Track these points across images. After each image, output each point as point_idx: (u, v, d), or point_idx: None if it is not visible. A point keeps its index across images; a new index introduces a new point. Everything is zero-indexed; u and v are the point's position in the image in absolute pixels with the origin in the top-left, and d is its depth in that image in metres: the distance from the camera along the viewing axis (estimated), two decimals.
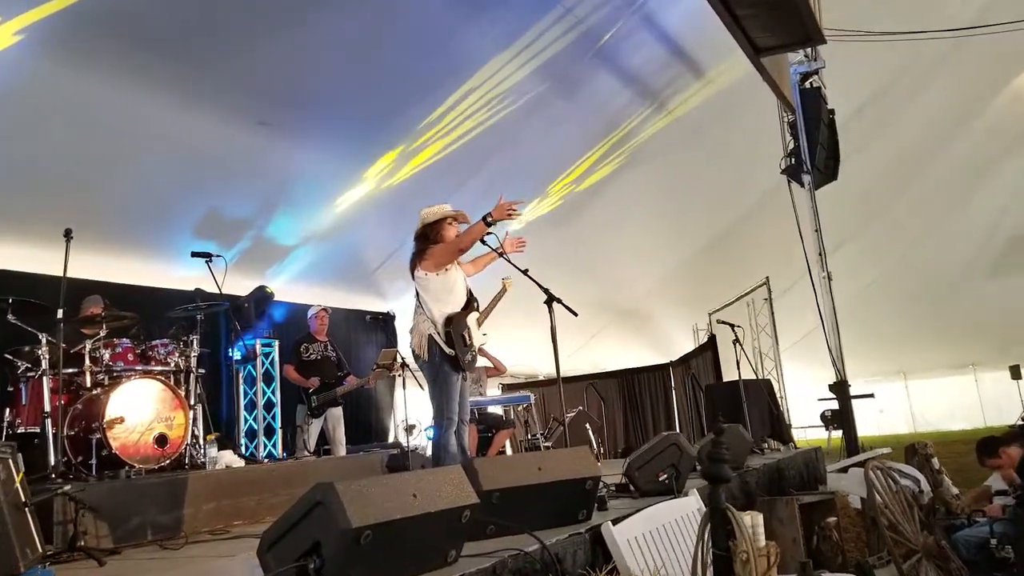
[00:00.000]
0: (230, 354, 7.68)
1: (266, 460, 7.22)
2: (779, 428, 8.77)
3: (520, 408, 9.08)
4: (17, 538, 3.61)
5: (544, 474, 3.44)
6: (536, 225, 10.31)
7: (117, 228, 7.06)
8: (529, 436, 8.91)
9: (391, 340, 10.09)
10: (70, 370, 5.30)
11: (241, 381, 7.98)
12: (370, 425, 9.96)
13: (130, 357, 5.57)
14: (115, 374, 5.43)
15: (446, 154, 8.59)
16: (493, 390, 10.88)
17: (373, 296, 10.47)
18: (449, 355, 4.57)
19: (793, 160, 9.04)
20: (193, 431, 5.63)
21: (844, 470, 6.45)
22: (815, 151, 8.83)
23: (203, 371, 6.11)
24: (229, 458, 5.54)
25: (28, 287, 5.61)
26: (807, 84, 9.01)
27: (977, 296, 14.98)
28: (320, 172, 8.09)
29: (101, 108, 6.00)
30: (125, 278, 7.17)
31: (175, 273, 7.30)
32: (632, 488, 4.48)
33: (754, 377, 9.84)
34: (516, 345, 8.93)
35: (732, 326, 8.41)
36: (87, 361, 5.33)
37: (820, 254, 8.92)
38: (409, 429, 8.47)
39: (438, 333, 4.60)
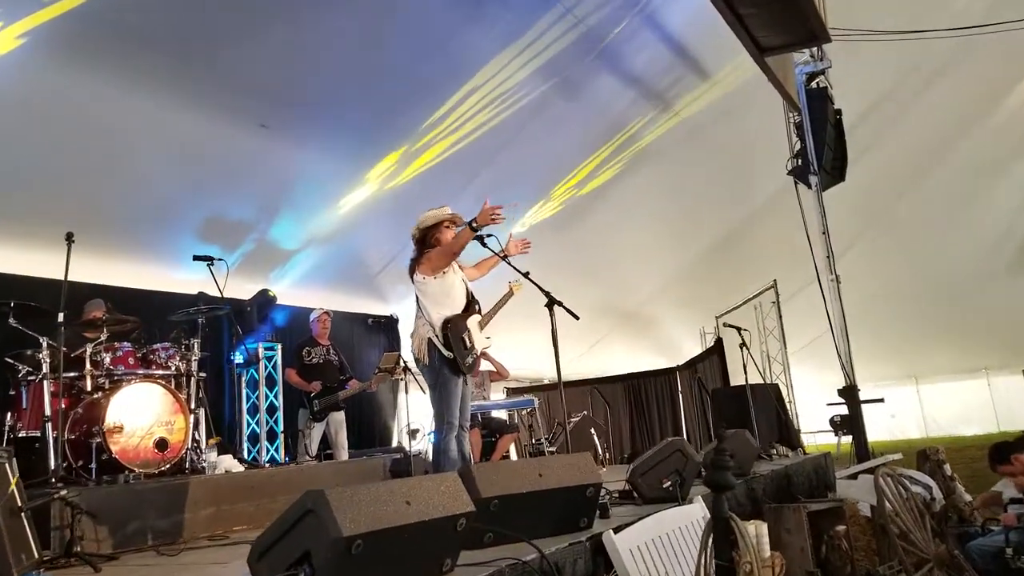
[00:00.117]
0: (232, 358, 7.65)
1: (267, 465, 7.19)
2: (787, 433, 8.67)
3: (524, 412, 9.02)
4: (12, 543, 3.57)
5: (544, 481, 3.37)
6: (540, 228, 10.24)
7: (119, 231, 7.04)
8: (533, 441, 8.85)
9: (394, 343, 10.05)
10: (71, 374, 5.28)
11: (243, 385, 7.95)
12: (374, 429, 9.91)
13: (131, 361, 5.55)
14: (116, 378, 5.40)
15: (449, 155, 8.53)
16: (498, 394, 10.82)
17: (376, 299, 10.43)
18: (448, 358, 4.54)
19: (799, 161, 8.94)
20: (194, 435, 5.60)
21: (854, 477, 6.35)
22: (822, 152, 8.73)
23: (205, 375, 6.09)
24: (229, 463, 5.50)
25: (30, 291, 5.61)
26: (813, 84, 8.92)
27: (990, 298, 14.81)
28: (322, 174, 8.05)
29: (103, 111, 5.98)
30: (127, 282, 7.15)
31: (178, 277, 7.28)
32: (635, 495, 4.40)
33: (762, 381, 9.75)
34: (520, 349, 8.87)
35: (739, 330, 8.32)
36: (88, 365, 5.31)
37: (828, 257, 8.81)
38: (412, 434, 8.43)
39: (437, 336, 4.57)
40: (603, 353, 14.55)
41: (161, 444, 5.29)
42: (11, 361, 5.33)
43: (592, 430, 8.94)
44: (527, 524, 3.21)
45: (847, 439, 8.70)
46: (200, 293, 6.75)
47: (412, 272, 4.79)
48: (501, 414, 8.89)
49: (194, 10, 5.75)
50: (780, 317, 11.85)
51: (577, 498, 3.47)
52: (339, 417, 7.49)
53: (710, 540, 2.78)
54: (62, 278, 4.83)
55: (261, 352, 8.03)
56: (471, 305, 4.83)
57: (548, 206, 10.70)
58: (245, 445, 7.86)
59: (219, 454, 5.65)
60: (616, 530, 3.42)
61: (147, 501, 4.57)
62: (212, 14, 5.86)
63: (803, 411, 11.95)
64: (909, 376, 17.41)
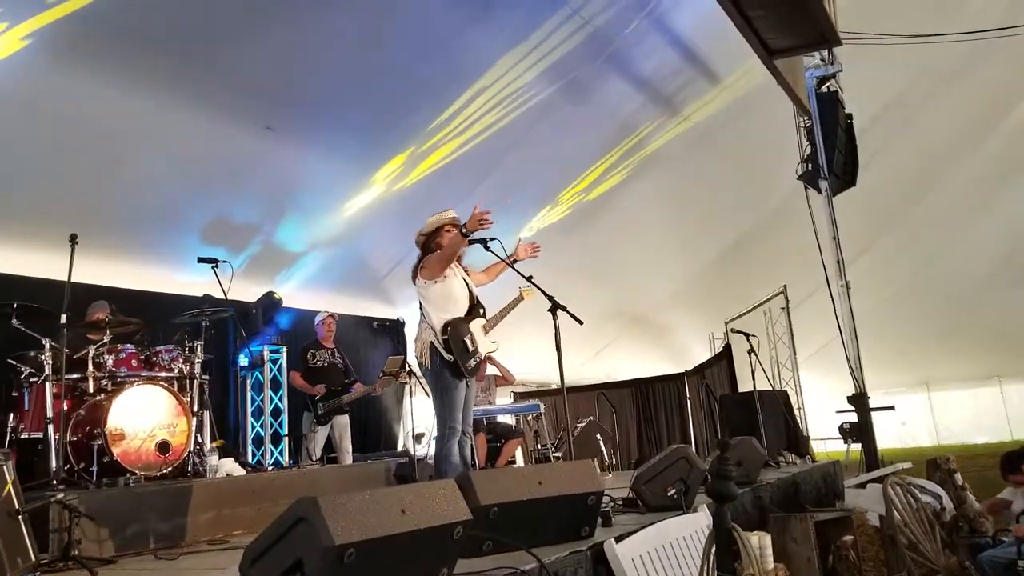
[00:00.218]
0: (237, 360, 7.63)
1: (271, 468, 7.16)
2: (795, 441, 8.58)
3: (530, 417, 8.97)
4: (7, 546, 3.55)
5: (544, 488, 3.31)
6: (547, 232, 10.19)
7: (123, 233, 7.03)
8: (539, 446, 8.79)
9: (400, 347, 10.03)
10: (73, 376, 5.28)
11: (248, 388, 7.93)
12: (379, 433, 9.88)
13: (134, 363, 5.54)
14: (118, 380, 5.38)
15: (457, 157, 8.50)
16: (505, 399, 10.77)
17: (383, 303, 10.40)
18: (448, 361, 4.52)
19: (810, 166, 8.86)
20: (197, 438, 5.58)
21: (862, 486, 6.26)
22: (832, 156, 8.65)
23: (210, 378, 6.07)
24: (230, 466, 5.48)
25: (33, 292, 5.61)
26: (824, 88, 8.84)
27: (1002, 305, 14.66)
28: (327, 176, 8.03)
29: (106, 112, 5.98)
30: (132, 283, 7.15)
31: (183, 279, 7.27)
32: (639, 503, 4.34)
33: (770, 388, 9.66)
34: (527, 354, 8.82)
35: (747, 335, 8.25)
36: (90, 367, 5.29)
37: (838, 262, 8.72)
38: (418, 438, 8.39)
39: (437, 340, 4.56)
40: (611, 358, 14.48)
41: (163, 447, 5.26)
42: (13, 362, 5.32)
43: (598, 436, 8.87)
44: (527, 532, 3.16)
45: (856, 447, 8.59)
46: (206, 295, 6.72)
47: (415, 277, 4.81)
48: (508, 419, 8.84)
49: (199, 11, 5.74)
50: (790, 323, 11.74)
51: (578, 506, 3.41)
52: (343, 421, 7.46)
53: (712, 551, 2.72)
54: (65, 279, 4.83)
55: (266, 355, 8.01)
56: (475, 309, 4.81)
57: (556, 210, 10.65)
58: (250, 448, 7.84)
59: (220, 457, 5.61)
60: (618, 539, 3.36)
61: (147, 504, 4.54)
62: (217, 15, 5.85)
63: (813, 418, 11.83)
64: (920, 383, 17.25)
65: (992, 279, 14.51)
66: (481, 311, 4.89)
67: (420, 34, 6.77)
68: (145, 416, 5.25)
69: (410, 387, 7.43)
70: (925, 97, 11.38)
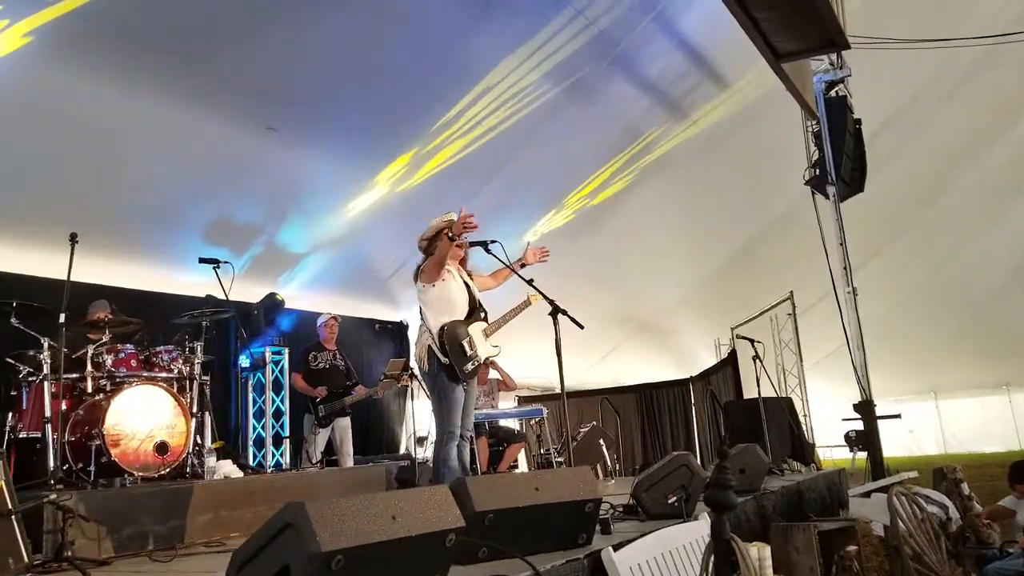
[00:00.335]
0: (239, 362, 7.61)
1: (272, 470, 7.13)
2: (800, 448, 8.50)
3: (533, 422, 8.92)
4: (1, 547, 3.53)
5: (541, 495, 3.25)
6: (552, 237, 10.14)
7: (124, 232, 7.02)
8: (542, 451, 8.74)
9: (403, 349, 9.99)
10: (72, 375, 5.25)
11: (250, 389, 7.90)
12: (381, 436, 9.84)
13: (133, 363, 5.51)
14: (117, 380, 5.35)
15: (461, 158, 8.45)
16: (508, 403, 10.73)
17: (386, 305, 10.37)
18: (444, 364, 4.49)
19: (817, 171, 8.80)
20: (196, 439, 5.54)
21: (867, 495, 6.18)
22: (840, 162, 8.59)
23: (211, 379, 6.05)
24: (228, 468, 5.44)
25: (32, 291, 5.59)
26: (832, 93, 8.78)
27: (1011, 312, 14.54)
28: (330, 176, 8.00)
29: (107, 111, 5.95)
30: (134, 283, 7.13)
31: (186, 279, 7.24)
32: (639, 510, 4.28)
33: (775, 395, 9.59)
34: (530, 358, 8.76)
35: (752, 341, 8.18)
36: (89, 366, 5.26)
37: (845, 268, 8.66)
38: (420, 441, 8.35)
39: (435, 343, 4.54)
40: (617, 363, 14.41)
41: (161, 448, 5.23)
42: (12, 361, 5.30)
43: (601, 441, 8.81)
44: (524, 539, 3.11)
45: (862, 455, 8.52)
46: (208, 296, 6.71)
47: (416, 280, 4.80)
48: (511, 423, 8.80)
49: (201, 11, 5.71)
50: (796, 329, 11.65)
51: (576, 513, 3.35)
52: (344, 423, 7.43)
53: (711, 562, 2.66)
54: (65, 278, 4.81)
55: (268, 356, 7.98)
56: (475, 312, 4.77)
57: (561, 214, 10.60)
58: (250, 450, 7.80)
59: (219, 459, 5.57)
60: (616, 547, 3.31)
61: (143, 505, 4.51)
62: (218, 15, 5.82)
63: (819, 425, 11.74)
64: (928, 391, 17.12)
65: (1001, 287, 14.41)
66: (482, 315, 4.86)
67: (422, 34, 6.74)
68: (144, 417, 5.22)
69: (412, 390, 7.38)
70: (935, 103, 11.30)
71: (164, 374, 5.59)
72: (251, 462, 7.47)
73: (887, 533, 5.07)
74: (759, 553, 2.65)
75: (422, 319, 4.73)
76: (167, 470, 5.20)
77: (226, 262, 6.21)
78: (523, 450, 8.88)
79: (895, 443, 13.95)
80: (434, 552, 2.56)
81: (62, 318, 4.83)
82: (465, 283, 4.90)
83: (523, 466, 9.30)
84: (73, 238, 4.91)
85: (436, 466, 4.49)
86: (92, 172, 6.38)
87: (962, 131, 11.76)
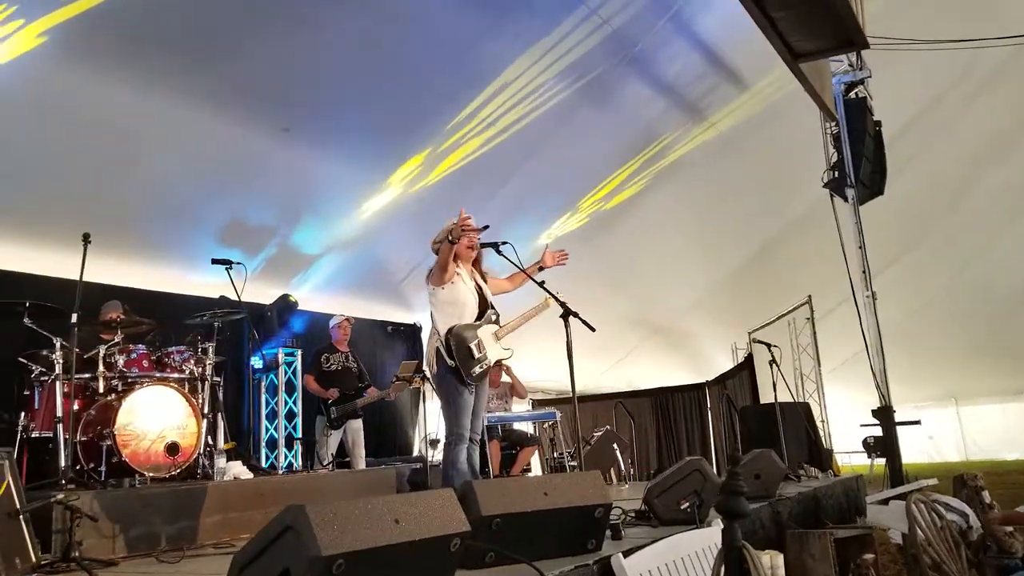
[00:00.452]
0: (252, 363, 7.61)
1: (283, 471, 7.12)
2: (817, 454, 8.39)
3: (546, 425, 8.87)
4: (6, 546, 3.52)
5: (550, 499, 3.21)
6: (567, 240, 10.07)
7: (138, 233, 7.03)
8: (555, 454, 8.69)
9: (416, 352, 9.97)
10: (84, 375, 5.27)
11: (263, 390, 7.90)
12: (394, 438, 9.82)
13: (145, 363, 5.52)
14: (129, 380, 5.36)
15: (475, 158, 8.38)
16: (523, 406, 10.67)
17: (400, 307, 10.34)
18: (451, 367, 4.46)
19: (836, 173, 8.68)
20: (207, 440, 5.54)
21: (885, 502, 6.07)
22: (860, 164, 8.46)
23: (224, 380, 6.06)
24: (237, 469, 5.42)
25: (45, 291, 5.59)
26: (852, 94, 8.66)
27: None
28: (344, 177, 7.97)
29: (122, 112, 5.96)
30: (147, 284, 7.14)
31: (198, 280, 7.24)
32: (652, 516, 4.22)
33: (792, 400, 9.48)
34: (545, 361, 8.70)
35: (769, 346, 8.09)
36: (101, 366, 5.27)
37: (864, 272, 8.53)
38: (433, 443, 8.32)
39: (442, 345, 4.51)
40: (632, 367, 14.31)
41: (172, 448, 5.23)
42: (25, 361, 5.31)
43: (615, 445, 8.73)
44: (532, 544, 3.07)
45: (881, 461, 8.39)
46: (221, 297, 6.71)
47: (426, 282, 4.78)
48: (524, 426, 8.75)
49: (215, 12, 5.71)
50: (814, 334, 11.53)
51: (585, 519, 3.30)
52: (356, 425, 7.41)
53: (722, 571, 2.59)
54: (77, 278, 4.81)
55: (281, 357, 7.98)
56: (485, 315, 4.73)
57: (576, 217, 10.54)
58: (263, 451, 7.80)
59: (230, 460, 5.56)
60: (627, 553, 3.25)
61: (152, 506, 4.50)
62: (233, 16, 5.82)
63: (837, 431, 11.59)
64: (949, 397, 16.88)
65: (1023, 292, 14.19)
66: (493, 317, 4.81)
67: (435, 33, 6.69)
68: (155, 417, 5.23)
69: (424, 392, 7.35)
70: (957, 105, 11.13)
71: (176, 375, 5.60)
72: (263, 463, 7.48)
73: (905, 541, 4.97)
74: (771, 561, 2.58)
75: (432, 321, 4.71)
76: (177, 471, 5.20)
77: (239, 263, 6.21)
78: (536, 454, 8.83)
79: (914, 450, 13.76)
80: (438, 557, 2.52)
81: (74, 318, 4.85)
82: (478, 285, 4.85)
83: (536, 470, 9.24)
84: (86, 238, 4.93)
85: (445, 468, 4.46)
86: (105, 172, 6.39)
87: (984, 133, 11.58)
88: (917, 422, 9.11)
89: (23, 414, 5.28)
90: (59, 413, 4.91)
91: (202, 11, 5.67)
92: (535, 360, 9.34)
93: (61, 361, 5.05)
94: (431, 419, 7.97)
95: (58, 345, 5.06)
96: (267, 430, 7.94)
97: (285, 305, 8.09)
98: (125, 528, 4.32)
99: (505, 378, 8.14)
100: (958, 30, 8.66)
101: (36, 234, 6.39)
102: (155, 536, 4.44)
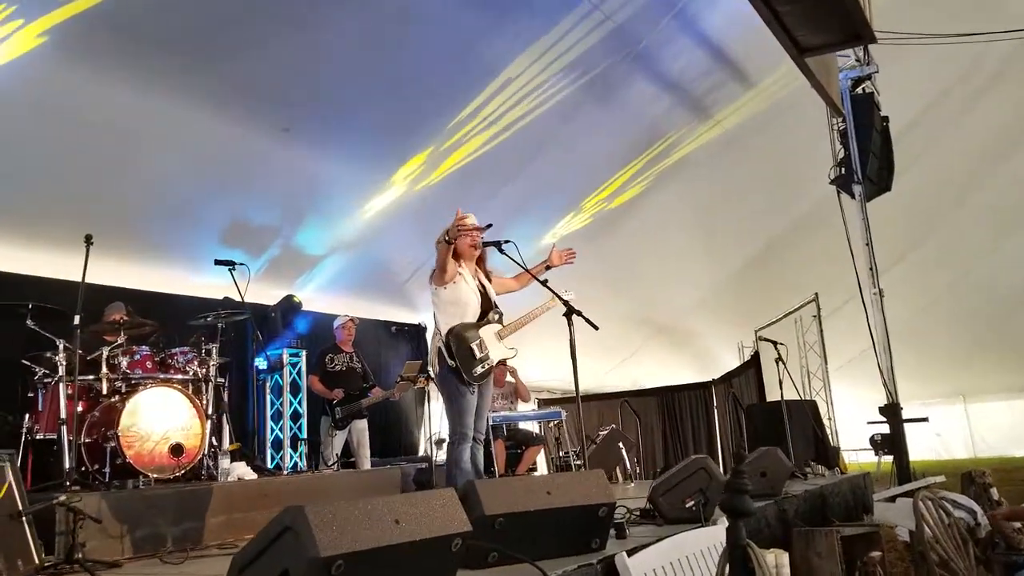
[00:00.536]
0: (256, 364, 7.60)
1: (288, 472, 7.12)
2: (824, 452, 8.35)
3: (552, 424, 8.85)
4: (7, 548, 3.51)
5: (553, 499, 3.18)
6: (571, 239, 10.03)
7: (141, 234, 7.02)
8: (561, 453, 8.66)
9: (421, 352, 9.95)
10: (88, 377, 5.26)
11: (268, 391, 7.90)
12: (399, 438, 9.81)
13: (149, 365, 5.52)
14: (133, 382, 5.36)
15: (479, 156, 8.34)
16: (529, 405, 10.64)
17: (404, 307, 10.31)
18: (452, 367, 4.45)
19: (843, 170, 8.63)
20: (211, 441, 5.53)
21: (892, 499, 6.02)
22: (867, 160, 8.43)
23: (228, 381, 6.04)
24: (241, 470, 5.42)
25: (48, 293, 5.59)
26: (859, 90, 8.61)
27: None
28: (346, 177, 7.93)
29: (123, 112, 5.94)
30: (150, 285, 7.13)
31: (202, 281, 7.23)
32: (656, 515, 4.19)
33: (799, 398, 9.43)
34: (549, 360, 8.68)
35: (775, 344, 8.05)
36: (104, 368, 5.27)
37: (871, 269, 8.49)
38: (439, 443, 8.29)
39: (443, 345, 4.48)
40: (638, 366, 14.28)
41: (176, 449, 5.22)
42: (28, 363, 5.32)
43: (621, 444, 8.70)
44: (535, 544, 3.05)
45: (888, 458, 8.35)
46: (225, 298, 6.68)
47: (429, 282, 4.77)
48: (529, 426, 8.73)
49: (216, 11, 5.69)
50: (821, 332, 11.48)
51: (589, 517, 3.28)
52: (361, 425, 7.40)
53: (726, 570, 2.56)
54: (80, 280, 4.80)
55: (285, 358, 7.98)
56: (487, 314, 4.70)
57: (579, 217, 10.51)
58: (268, 452, 7.80)
59: (235, 460, 5.55)
60: (631, 552, 3.23)
61: (155, 507, 4.50)
62: (233, 16, 5.79)
63: (845, 429, 11.54)
64: (957, 394, 16.80)
65: None
66: (496, 317, 4.78)
67: (437, 31, 6.65)
68: (159, 418, 5.22)
69: (429, 392, 7.34)
70: (965, 100, 11.06)
71: (180, 376, 5.61)
72: (269, 464, 7.48)
73: (913, 539, 4.94)
74: (776, 560, 2.55)
75: (434, 321, 4.70)
76: (182, 472, 5.19)
77: (242, 264, 6.20)
78: (542, 453, 8.81)
79: (922, 447, 13.70)
80: (440, 557, 2.50)
81: (77, 320, 4.83)
82: (481, 284, 4.83)
83: (542, 469, 9.22)
84: (88, 239, 4.90)
85: (449, 468, 4.44)
86: (107, 173, 6.37)
87: (992, 128, 11.51)
88: (925, 419, 9.04)
89: (27, 416, 5.29)
90: (63, 415, 4.90)
91: (202, 10, 5.66)
92: (540, 360, 9.32)
93: (64, 363, 5.06)
94: (436, 419, 7.93)
95: (61, 347, 5.07)
96: (272, 431, 7.94)
97: (289, 306, 8.08)
98: (130, 529, 4.32)
99: (509, 378, 8.12)
100: (965, 24, 8.59)
101: (38, 236, 6.38)
102: (160, 537, 4.44)
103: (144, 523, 4.39)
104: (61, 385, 5.00)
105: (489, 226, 4.79)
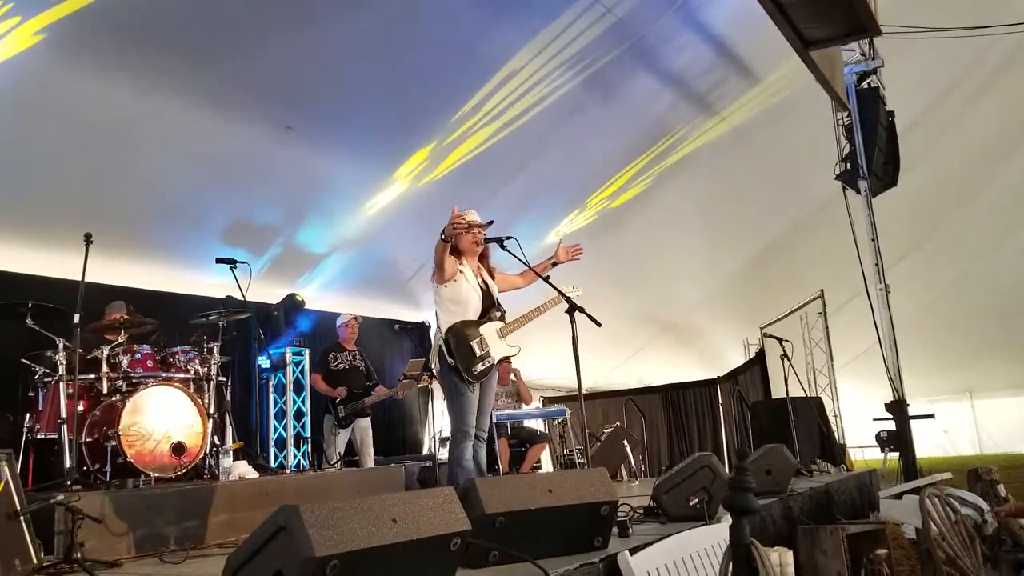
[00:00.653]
0: (259, 362, 7.59)
1: (291, 471, 7.10)
2: (830, 449, 8.30)
3: (556, 422, 8.82)
4: (5, 548, 3.49)
5: (555, 497, 3.15)
6: (576, 236, 9.99)
7: (141, 233, 6.99)
8: (565, 451, 8.63)
9: (424, 350, 9.92)
10: (89, 376, 5.24)
11: (271, 390, 7.88)
12: (403, 436, 9.79)
13: (150, 364, 5.49)
14: (134, 381, 5.34)
15: (482, 151, 8.29)
16: (534, 403, 10.61)
17: (408, 305, 10.28)
18: (451, 365, 4.42)
19: (848, 165, 8.56)
20: (214, 440, 5.51)
21: (899, 496, 5.98)
22: (872, 155, 8.35)
23: (231, 380, 6.04)
24: (242, 468, 5.39)
25: (48, 292, 5.57)
26: (864, 84, 8.54)
27: None
28: (349, 174, 7.90)
29: (123, 110, 5.92)
30: (151, 284, 7.11)
31: (204, 280, 7.21)
32: (660, 513, 4.16)
33: (804, 395, 9.38)
34: (554, 358, 8.64)
35: (780, 340, 8.00)
36: (104, 367, 5.25)
37: (877, 265, 8.42)
38: (443, 441, 8.28)
39: (443, 343, 4.46)
40: (644, 364, 14.24)
41: (178, 448, 5.20)
42: (28, 362, 5.30)
43: (625, 442, 8.66)
44: (536, 542, 3.02)
45: (894, 455, 8.29)
46: (228, 297, 6.68)
47: (431, 281, 4.75)
48: (534, 424, 8.71)
49: (216, 9, 5.66)
50: (827, 328, 11.43)
51: (591, 516, 3.25)
52: (365, 423, 7.38)
53: (729, 568, 2.53)
54: (80, 279, 4.78)
55: (288, 357, 7.96)
56: (489, 312, 4.67)
57: (583, 215, 10.46)
58: (272, 450, 7.79)
59: (236, 459, 5.53)
60: (634, 550, 3.19)
61: (156, 507, 4.46)
62: (234, 14, 5.75)
63: (850, 426, 11.49)
64: (963, 391, 16.74)
65: None
66: (497, 315, 4.74)
67: (438, 25, 6.60)
68: (160, 417, 5.19)
69: (433, 390, 7.31)
70: (972, 95, 10.98)
71: (181, 375, 5.58)
72: (272, 463, 7.46)
73: (919, 536, 4.89)
74: (780, 558, 2.51)
75: (436, 319, 4.68)
76: (183, 471, 5.16)
77: (243, 262, 6.18)
78: (547, 451, 8.78)
79: (928, 444, 13.65)
80: (438, 556, 2.47)
81: (77, 319, 4.81)
82: (483, 281, 4.79)
83: (547, 467, 9.20)
84: (88, 238, 4.88)
85: (451, 467, 4.42)
86: (106, 172, 6.35)
87: (997, 124, 11.43)
88: (931, 416, 8.97)
89: (28, 416, 5.27)
90: (63, 414, 4.87)
91: (203, 7, 5.62)
92: (544, 358, 9.28)
93: (64, 362, 5.03)
94: (440, 417, 7.93)
95: (61, 346, 5.04)
96: (276, 430, 7.93)
97: (292, 304, 8.07)
98: (130, 529, 4.29)
99: (513, 378, 8.10)
100: (971, 17, 8.52)
101: (38, 235, 6.36)
102: (161, 536, 4.40)
103: (145, 522, 4.36)
104: (61, 384, 4.97)
105: (490, 222, 4.76)
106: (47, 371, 5.22)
